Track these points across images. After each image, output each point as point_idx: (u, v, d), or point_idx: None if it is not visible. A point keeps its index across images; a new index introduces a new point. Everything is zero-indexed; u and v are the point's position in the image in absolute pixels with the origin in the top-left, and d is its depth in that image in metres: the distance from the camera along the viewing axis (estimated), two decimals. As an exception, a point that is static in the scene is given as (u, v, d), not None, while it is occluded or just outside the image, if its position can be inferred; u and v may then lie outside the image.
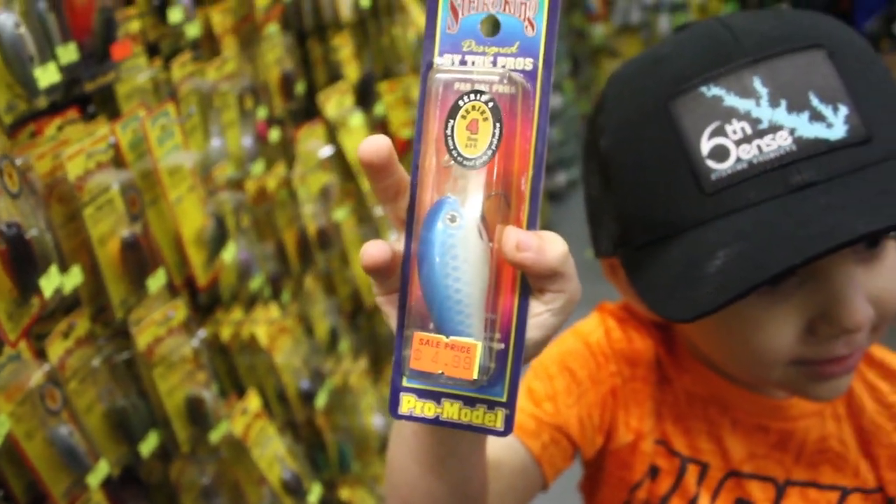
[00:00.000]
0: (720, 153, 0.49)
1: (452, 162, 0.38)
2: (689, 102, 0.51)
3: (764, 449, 0.63)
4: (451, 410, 0.40)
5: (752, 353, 0.55)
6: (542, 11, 0.38)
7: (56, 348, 0.80)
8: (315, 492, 1.20)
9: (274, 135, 1.34)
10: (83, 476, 0.80)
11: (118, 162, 0.89)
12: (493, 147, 0.37)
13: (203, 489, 1.02)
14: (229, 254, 1.09)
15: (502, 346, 0.39)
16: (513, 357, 0.39)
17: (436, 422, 0.40)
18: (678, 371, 0.67)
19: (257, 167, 1.25)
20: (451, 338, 0.38)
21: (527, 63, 0.38)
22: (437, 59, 0.39)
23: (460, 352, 0.37)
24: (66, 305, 0.84)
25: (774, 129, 0.49)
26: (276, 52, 1.35)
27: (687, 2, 5.62)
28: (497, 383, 0.39)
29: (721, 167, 0.49)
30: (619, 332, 0.68)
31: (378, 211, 1.66)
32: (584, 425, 0.65)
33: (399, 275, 0.40)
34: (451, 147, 0.38)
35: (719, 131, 0.50)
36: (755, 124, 0.49)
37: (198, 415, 0.97)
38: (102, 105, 0.96)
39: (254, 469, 1.09)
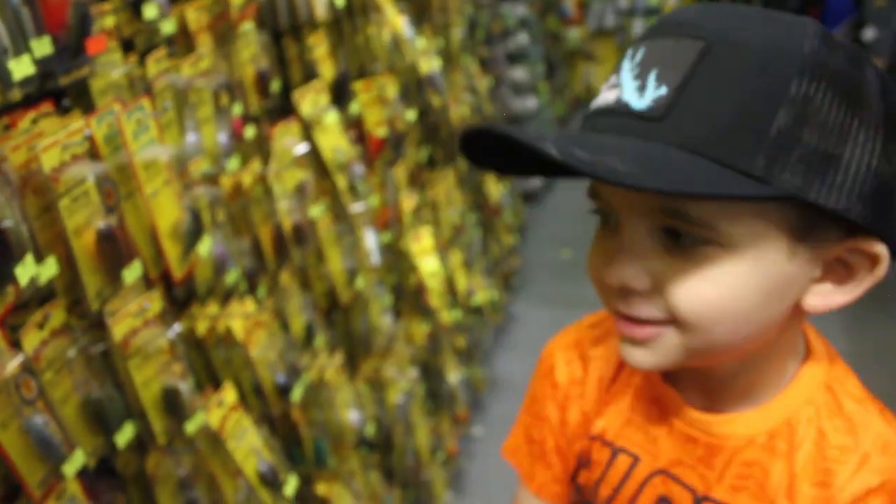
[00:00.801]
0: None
1: None
2: None
3: (691, 459, 0.65)
4: None
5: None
6: None
7: (31, 339, 0.81)
8: (291, 484, 1.21)
9: (249, 132, 1.35)
10: (58, 466, 0.81)
11: (93, 155, 0.90)
12: None
13: (179, 481, 1.02)
14: (205, 248, 1.10)
15: None
16: None
17: None
18: (636, 370, 0.70)
19: (233, 163, 1.26)
20: None
21: None
22: None
23: None
24: (41, 296, 0.85)
25: (615, 87, 0.56)
26: (251, 49, 1.36)
27: (660, 6, 5.69)
28: None
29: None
30: (576, 364, 0.75)
31: (353, 208, 1.67)
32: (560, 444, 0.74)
33: None
34: None
35: (606, 80, 0.58)
36: (614, 80, 0.56)
37: (174, 406, 0.98)
38: (77, 100, 0.96)
39: (230, 461, 1.10)
